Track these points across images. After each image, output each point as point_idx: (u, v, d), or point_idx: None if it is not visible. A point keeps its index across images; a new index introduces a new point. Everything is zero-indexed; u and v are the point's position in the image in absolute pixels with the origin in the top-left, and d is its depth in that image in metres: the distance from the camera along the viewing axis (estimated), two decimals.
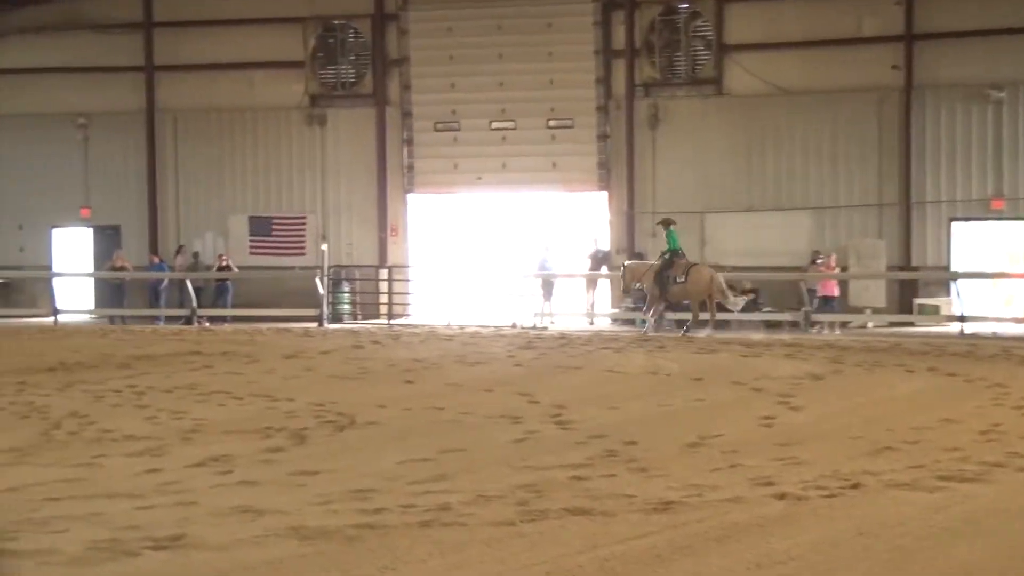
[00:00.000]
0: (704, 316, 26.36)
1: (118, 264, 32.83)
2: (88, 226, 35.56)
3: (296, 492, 9.16)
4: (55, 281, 33.54)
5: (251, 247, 34.11)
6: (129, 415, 13.58)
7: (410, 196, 33.80)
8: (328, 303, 31.47)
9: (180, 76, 34.98)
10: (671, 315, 28.04)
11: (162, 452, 11.00)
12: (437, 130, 33.46)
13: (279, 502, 8.75)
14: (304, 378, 17.47)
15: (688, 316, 26.68)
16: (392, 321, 30.93)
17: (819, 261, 29.72)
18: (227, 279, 32.50)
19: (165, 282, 32.77)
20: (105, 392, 15.59)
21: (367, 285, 33.39)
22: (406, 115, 33.55)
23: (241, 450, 11.04)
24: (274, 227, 34.35)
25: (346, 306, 32.80)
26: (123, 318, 32.44)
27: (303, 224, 34.21)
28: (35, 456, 10.81)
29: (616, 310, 31.23)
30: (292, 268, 33.53)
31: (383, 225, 33.83)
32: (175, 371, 18.51)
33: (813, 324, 28.42)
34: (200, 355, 21.28)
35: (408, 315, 32.67)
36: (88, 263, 35.13)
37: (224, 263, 32.47)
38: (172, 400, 14.80)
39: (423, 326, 29.50)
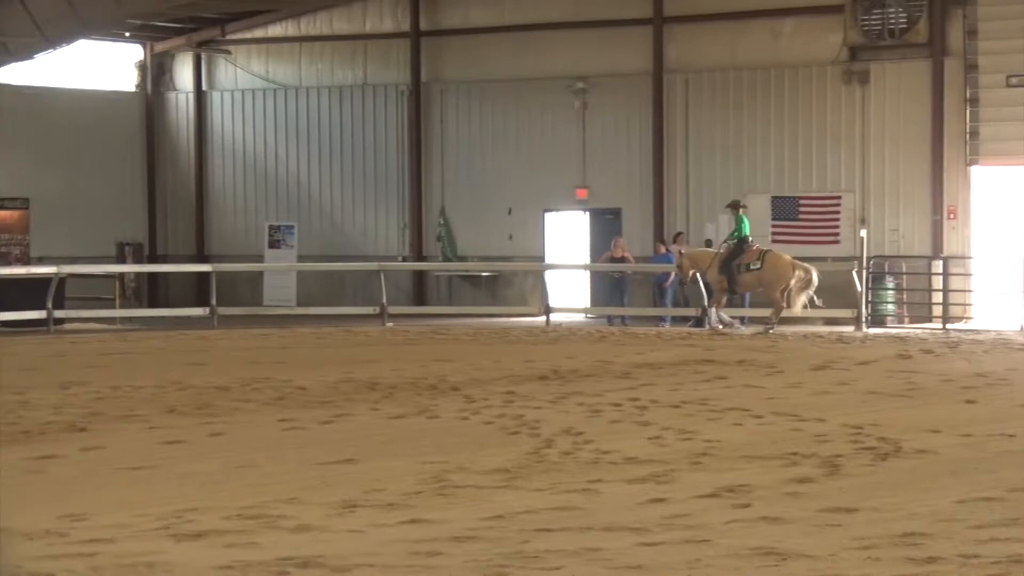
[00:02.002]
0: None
1: (618, 254, 33.73)
2: (584, 210, 36.72)
3: (828, 533, 9.16)
4: (547, 275, 34.86)
5: (774, 233, 34.23)
6: (630, 434, 13.98)
7: (973, 169, 32.92)
8: (867, 302, 31.16)
9: (694, 28, 35.48)
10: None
11: (668, 479, 11.27)
12: (1010, 86, 32.39)
13: (807, 544, 8.78)
14: (837, 394, 17.42)
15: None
16: (949, 325, 30.27)
17: None
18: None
19: (672, 276, 33.39)
20: (603, 406, 16.12)
21: (917, 280, 32.80)
22: (970, 68, 32.67)
23: (761, 480, 11.15)
24: (801, 209, 34.34)
25: (890, 306, 32.37)
26: (623, 318, 33.33)
27: (837, 205, 34.02)
28: (525, 479, 11.34)
29: None
30: (824, 259, 33.41)
31: (938, 207, 33.12)
32: (682, 382, 18.88)
33: None
34: (712, 364, 21.61)
35: (969, 318, 31.86)
36: (584, 253, 36.29)
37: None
38: (679, 417, 15.12)
39: (988, 332, 28.69)
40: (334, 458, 12.42)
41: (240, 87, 40.23)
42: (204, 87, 40.68)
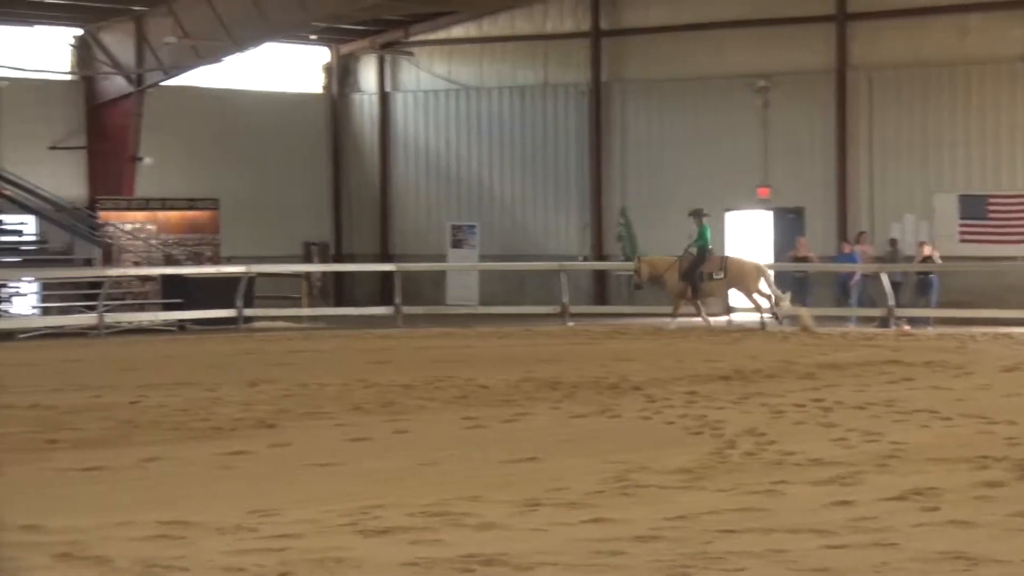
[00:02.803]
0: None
1: (800, 254, 33.42)
2: (767, 208, 36.45)
3: (1020, 538, 8.99)
4: None
5: (961, 233, 33.65)
6: (814, 435, 13.85)
7: None
8: None
9: (877, 25, 35.04)
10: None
11: (854, 481, 11.14)
12: None
13: (998, 549, 8.62)
14: None
15: None
16: None
17: None
18: (931, 272, 32.24)
19: (857, 276, 32.98)
20: (786, 407, 15.99)
21: None
22: None
23: (949, 483, 10.97)
24: (990, 208, 33.70)
25: None
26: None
27: None
28: (708, 479, 11.29)
29: None
30: (1014, 259, 32.75)
31: None
32: (868, 383, 18.68)
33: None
34: (898, 365, 21.33)
35: None
36: (767, 253, 36.00)
37: (927, 253, 32.21)
38: (864, 419, 14.95)
39: None
40: (516, 456, 12.47)
41: (423, 88, 40.60)
42: (388, 88, 41.13)
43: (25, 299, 33.95)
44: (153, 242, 35.21)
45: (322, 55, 41.48)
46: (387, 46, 40.94)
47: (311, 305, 35.84)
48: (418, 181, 40.68)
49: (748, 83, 36.21)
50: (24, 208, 34.96)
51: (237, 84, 39.15)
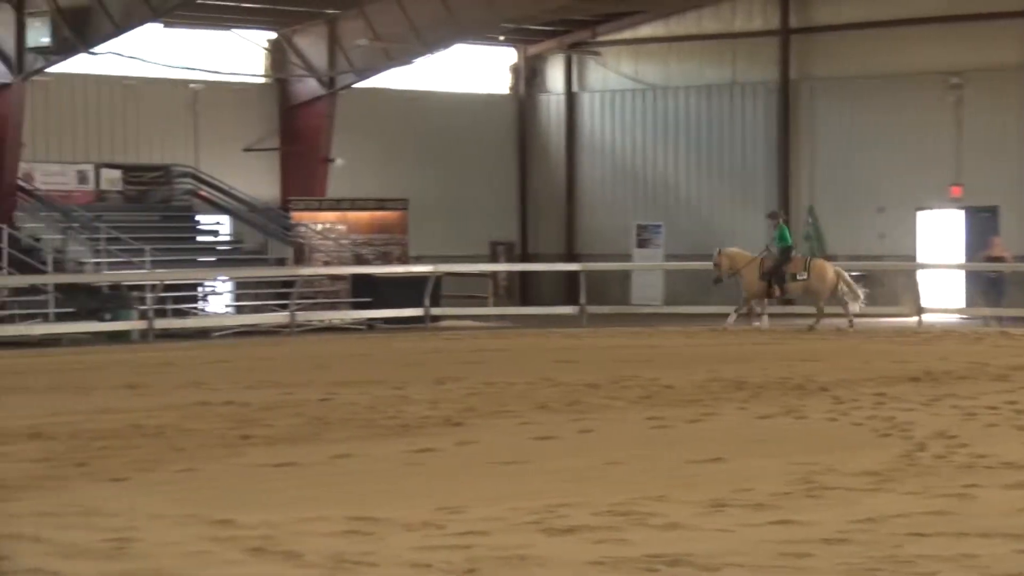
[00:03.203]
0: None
1: (995, 254, 32.79)
2: (959, 207, 35.81)
3: None
4: (920, 274, 34.08)
5: None
6: (1007, 438, 13.60)
7: None
8: None
9: None
10: None
11: None
12: None
13: None
14: None
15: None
16: None
17: None
18: None
19: None
20: (978, 409, 15.71)
21: None
22: None
23: None
24: None
25: None
26: (999, 319, 32.36)
27: None
28: (896, 482, 11.13)
29: None
30: None
31: None
32: None
33: None
34: None
35: None
36: (959, 253, 35.38)
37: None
38: None
39: None
40: (702, 457, 12.41)
41: (609, 88, 40.60)
42: (575, 88, 41.19)
43: (220, 298, 34.67)
44: (343, 242, 35.71)
45: (509, 56, 41.68)
46: (574, 46, 41.01)
47: (497, 304, 36.04)
48: (604, 181, 40.69)
49: (940, 80, 35.63)
50: (219, 209, 35.71)
51: (426, 86, 39.52)
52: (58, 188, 33.28)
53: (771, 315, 30.96)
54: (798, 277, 30.11)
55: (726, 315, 32.76)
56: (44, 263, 30.93)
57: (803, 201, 37.57)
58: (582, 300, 34.03)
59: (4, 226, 30.74)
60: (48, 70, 32.22)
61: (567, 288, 38.26)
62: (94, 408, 16.57)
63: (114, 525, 9.59)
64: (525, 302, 39.33)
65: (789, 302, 31.51)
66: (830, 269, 30.42)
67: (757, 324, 30.36)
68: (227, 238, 36.08)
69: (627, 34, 40.18)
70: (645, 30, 39.95)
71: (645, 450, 13.03)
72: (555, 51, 41.27)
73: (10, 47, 31.45)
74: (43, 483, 11.45)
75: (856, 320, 30.11)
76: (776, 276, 30.00)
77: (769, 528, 9.33)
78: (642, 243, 38.83)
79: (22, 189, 32.46)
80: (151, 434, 14.32)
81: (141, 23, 31.75)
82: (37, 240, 31.94)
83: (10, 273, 29.84)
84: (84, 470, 12.10)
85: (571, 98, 41.20)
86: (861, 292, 30.41)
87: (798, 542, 8.85)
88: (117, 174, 34.37)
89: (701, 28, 39.18)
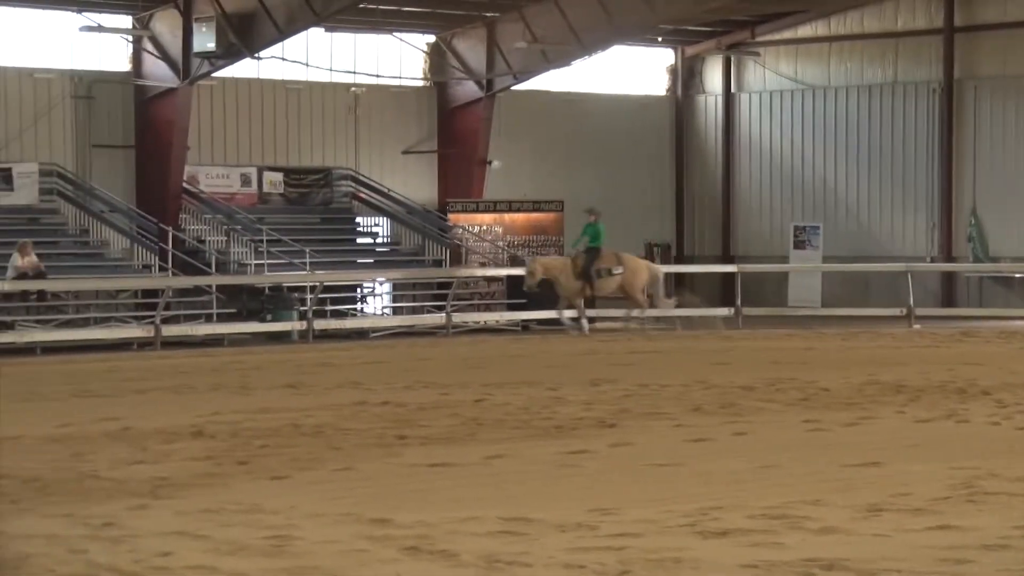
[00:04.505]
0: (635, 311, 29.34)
1: None
2: None
3: None
4: None
5: None
6: None
7: None
8: None
9: None
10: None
11: None
12: None
13: None
14: None
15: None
16: None
17: None
18: None
19: None
20: None
21: None
22: None
23: None
24: None
25: None
26: None
27: None
28: None
29: None
30: None
31: None
32: None
33: None
34: None
35: None
36: None
37: None
38: None
39: None
40: (858, 460, 12.26)
41: (768, 88, 40.31)
42: (733, 89, 40.96)
43: (378, 299, 35.01)
44: (499, 244, 35.85)
45: (666, 57, 41.55)
46: (733, 47, 40.77)
47: (652, 306, 35.93)
48: (761, 182, 40.41)
49: None
50: (378, 211, 36.06)
51: (583, 87, 39.54)
52: (222, 191, 33.85)
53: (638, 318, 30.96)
54: (613, 271, 29.71)
55: (887, 318, 32.43)
56: (208, 265, 31.49)
57: (966, 203, 36.99)
58: (737, 302, 33.81)
59: (170, 228, 31.35)
60: (213, 75, 32.81)
61: (723, 290, 38.04)
62: (255, 407, 16.82)
63: (274, 523, 9.73)
64: (680, 304, 39.15)
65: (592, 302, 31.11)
66: (644, 265, 30.15)
67: (574, 328, 29.98)
68: (385, 240, 36.42)
69: (787, 34, 39.86)
70: (805, 30, 39.60)
71: (801, 453, 12.91)
72: (713, 52, 41.06)
73: (177, 52, 32.07)
74: (206, 481, 11.66)
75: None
76: (585, 274, 29.65)
77: (927, 533, 9.20)
78: (799, 244, 38.48)
79: (187, 192, 33.08)
80: (310, 433, 14.50)
81: (304, 28, 32.23)
82: (201, 242, 32.53)
83: (175, 274, 30.39)
84: (245, 468, 12.30)
85: (729, 99, 40.97)
86: (672, 300, 30.86)
87: (957, 548, 8.71)
88: (279, 176, 34.87)
89: (862, 27, 38.74)
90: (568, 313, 30.26)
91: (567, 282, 30.14)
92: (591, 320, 32.68)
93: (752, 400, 17.09)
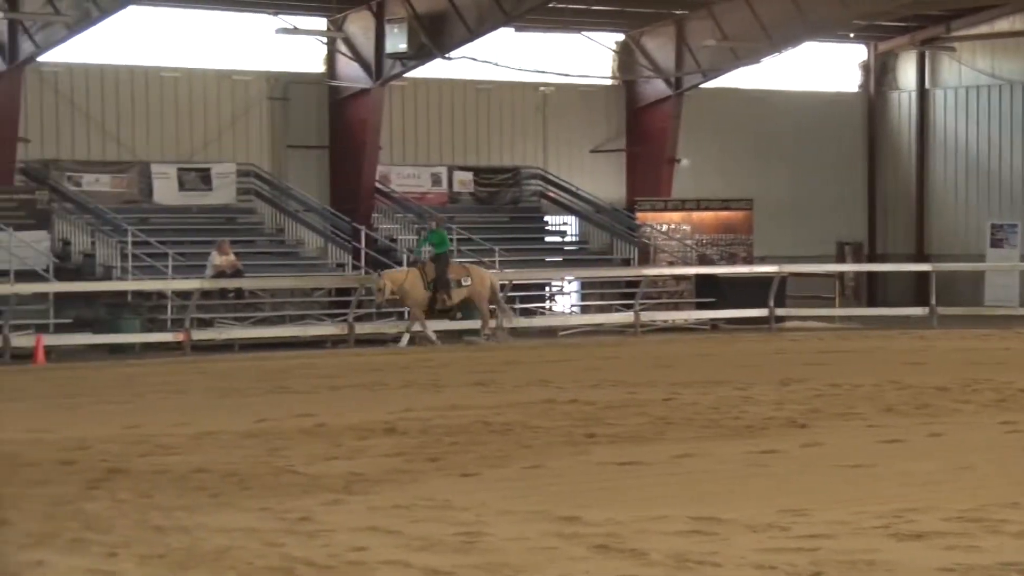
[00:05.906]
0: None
1: None
2: None
3: None
4: None
5: None
6: None
7: None
8: None
9: None
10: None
11: None
12: None
13: None
14: None
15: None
16: None
17: None
18: None
19: None
20: None
21: None
22: None
23: None
24: None
25: None
26: None
27: None
28: None
29: None
30: None
31: None
32: None
33: None
34: None
35: None
36: None
37: None
38: None
39: None
40: None
41: (964, 84, 39.59)
42: (927, 85, 40.30)
43: (566, 297, 35.09)
44: (688, 242, 35.71)
45: (858, 53, 41.02)
46: (927, 42, 40.10)
47: (843, 305, 35.52)
48: (957, 179, 39.71)
49: None
50: (567, 209, 36.15)
51: (771, 84, 39.20)
52: (413, 190, 34.22)
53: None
54: (463, 283, 28.73)
55: None
56: (400, 263, 31.83)
57: None
58: (932, 301, 33.23)
59: (363, 227, 31.76)
60: (404, 75, 33.19)
61: (916, 289, 37.45)
62: (444, 404, 16.97)
63: (464, 519, 9.80)
64: (872, 303, 38.66)
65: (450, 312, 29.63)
66: (488, 275, 29.18)
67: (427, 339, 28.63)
68: (574, 238, 36.48)
69: (983, 28, 39.09)
70: (1003, 24, 38.80)
71: (997, 455, 12.65)
72: (907, 47, 40.42)
73: (369, 53, 32.51)
74: (397, 477, 11.79)
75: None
76: (441, 283, 28.58)
77: None
78: (996, 243, 37.72)
79: (379, 191, 33.49)
80: (499, 431, 14.58)
81: (494, 28, 32.43)
82: (393, 240, 32.90)
83: (367, 273, 30.74)
84: (436, 465, 12.41)
85: (923, 95, 40.31)
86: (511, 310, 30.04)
87: None
88: (469, 176, 35.15)
89: None
90: (430, 326, 29.23)
91: (416, 292, 28.70)
92: (779, 319, 32.43)
93: (947, 401, 16.79)
